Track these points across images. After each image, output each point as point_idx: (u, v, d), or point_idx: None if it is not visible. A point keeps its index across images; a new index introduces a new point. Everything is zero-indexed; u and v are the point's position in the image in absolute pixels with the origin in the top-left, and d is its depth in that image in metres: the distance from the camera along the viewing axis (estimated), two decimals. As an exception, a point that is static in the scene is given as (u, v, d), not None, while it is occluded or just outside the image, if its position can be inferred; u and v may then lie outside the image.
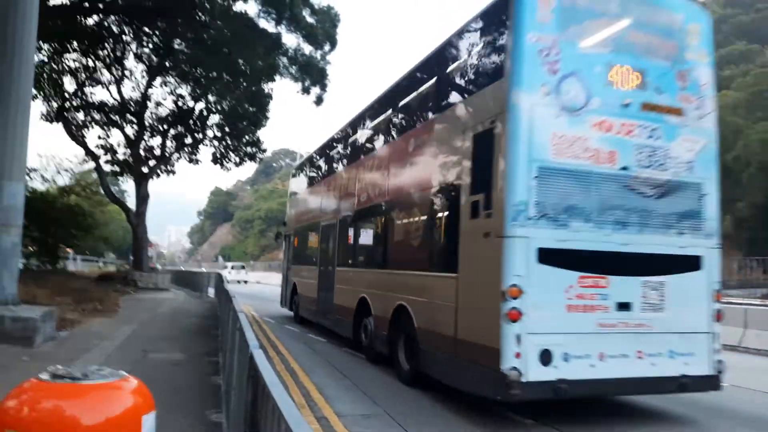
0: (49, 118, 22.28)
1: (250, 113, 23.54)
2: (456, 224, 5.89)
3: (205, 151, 25.68)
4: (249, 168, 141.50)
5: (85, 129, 24.02)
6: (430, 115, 7.29)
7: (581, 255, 5.14)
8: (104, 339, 9.33)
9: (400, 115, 8.64)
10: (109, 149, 24.67)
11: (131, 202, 26.09)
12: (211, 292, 20.59)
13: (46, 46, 19.12)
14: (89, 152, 24.06)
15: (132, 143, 24.44)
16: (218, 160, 25.65)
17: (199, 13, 17.60)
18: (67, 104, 22.77)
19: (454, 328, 5.63)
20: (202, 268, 46.40)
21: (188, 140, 25.62)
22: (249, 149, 25.79)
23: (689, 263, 5.57)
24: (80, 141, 23.61)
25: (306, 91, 22.48)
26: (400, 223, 8.03)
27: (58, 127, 22.68)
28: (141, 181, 24.34)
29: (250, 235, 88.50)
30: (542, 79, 5.13)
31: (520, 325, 4.78)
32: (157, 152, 25.34)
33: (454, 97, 6.80)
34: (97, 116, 24.04)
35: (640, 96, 5.48)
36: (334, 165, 12.17)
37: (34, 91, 14.12)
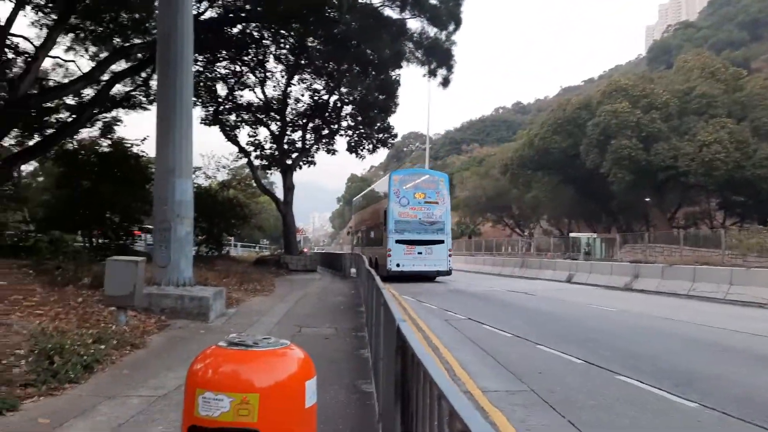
0: (207, 121, 24.78)
1: (380, 101, 24.08)
2: (384, 232, 20.65)
3: (341, 141, 27.49)
4: (381, 154, 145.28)
5: (237, 129, 26.36)
6: (376, 202, 23.92)
7: (407, 241, 20.00)
8: (264, 315, 10.24)
9: (369, 201, 26.80)
10: (258, 145, 26.84)
11: (279, 193, 28.19)
12: (353, 271, 21.65)
13: (200, 58, 21.24)
14: (242, 149, 26.38)
15: (277, 138, 26.33)
16: (353, 148, 26.66)
17: (329, 10, 18.29)
18: (221, 108, 25.13)
19: (384, 260, 20.15)
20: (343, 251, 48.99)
21: (325, 131, 26.94)
22: (381, 136, 26.46)
23: (440, 242, 20.29)
24: (234, 140, 25.97)
25: (432, 74, 22.42)
26: (374, 231, 23.29)
27: (215, 129, 25.15)
28: (286, 173, 26.17)
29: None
30: (396, 199, 20.22)
31: (390, 258, 19.92)
32: (299, 145, 27.02)
33: (381, 198, 22.65)
34: (246, 116, 26.24)
35: (424, 199, 20.41)
36: (361, 208, 29.32)
37: (194, 99, 15.76)
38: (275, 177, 33.07)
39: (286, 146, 26.63)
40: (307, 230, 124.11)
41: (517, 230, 60.41)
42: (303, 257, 26.83)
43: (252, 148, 26.70)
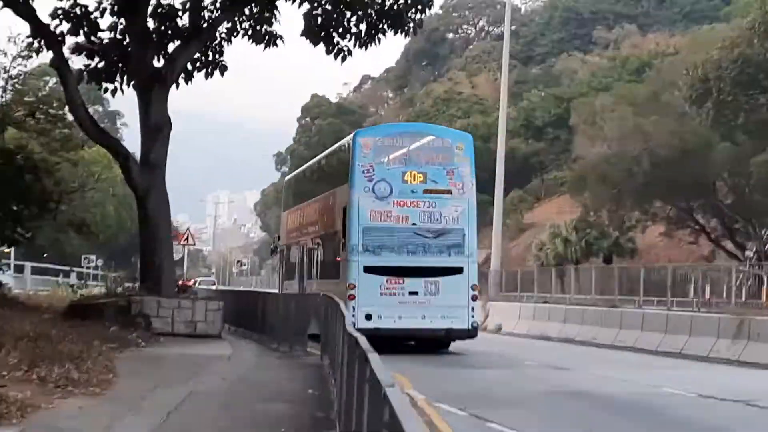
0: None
1: None
2: (342, 250, 33.85)
3: (293, 15, 27.19)
4: (390, 46, 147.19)
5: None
6: (327, 190, 38.96)
7: (387, 268, 31.76)
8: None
9: (313, 185, 46.00)
10: (80, 18, 26.83)
11: (131, 141, 28.23)
12: (309, 341, 21.91)
13: None
14: (43, 31, 26.42)
15: (129, 6, 26.33)
16: (320, 29, 26.79)
17: None
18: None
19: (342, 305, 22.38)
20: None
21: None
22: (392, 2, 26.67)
23: (455, 270, 32.16)
24: (27, 13, 25.98)
25: None
26: (322, 249, 39.90)
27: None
28: (151, 92, 26.12)
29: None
30: (364, 185, 32.35)
31: (354, 302, 29.95)
32: (185, 22, 27.06)
33: (336, 180, 36.87)
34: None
35: (423, 186, 32.83)
36: (298, 201, 48.85)
37: None
38: (124, 102, 33.23)
39: (152, 22, 26.74)
40: (202, 235, 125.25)
41: (726, 245, 60.71)
42: (188, 302, 27.04)
43: (67, 26, 26.79)
